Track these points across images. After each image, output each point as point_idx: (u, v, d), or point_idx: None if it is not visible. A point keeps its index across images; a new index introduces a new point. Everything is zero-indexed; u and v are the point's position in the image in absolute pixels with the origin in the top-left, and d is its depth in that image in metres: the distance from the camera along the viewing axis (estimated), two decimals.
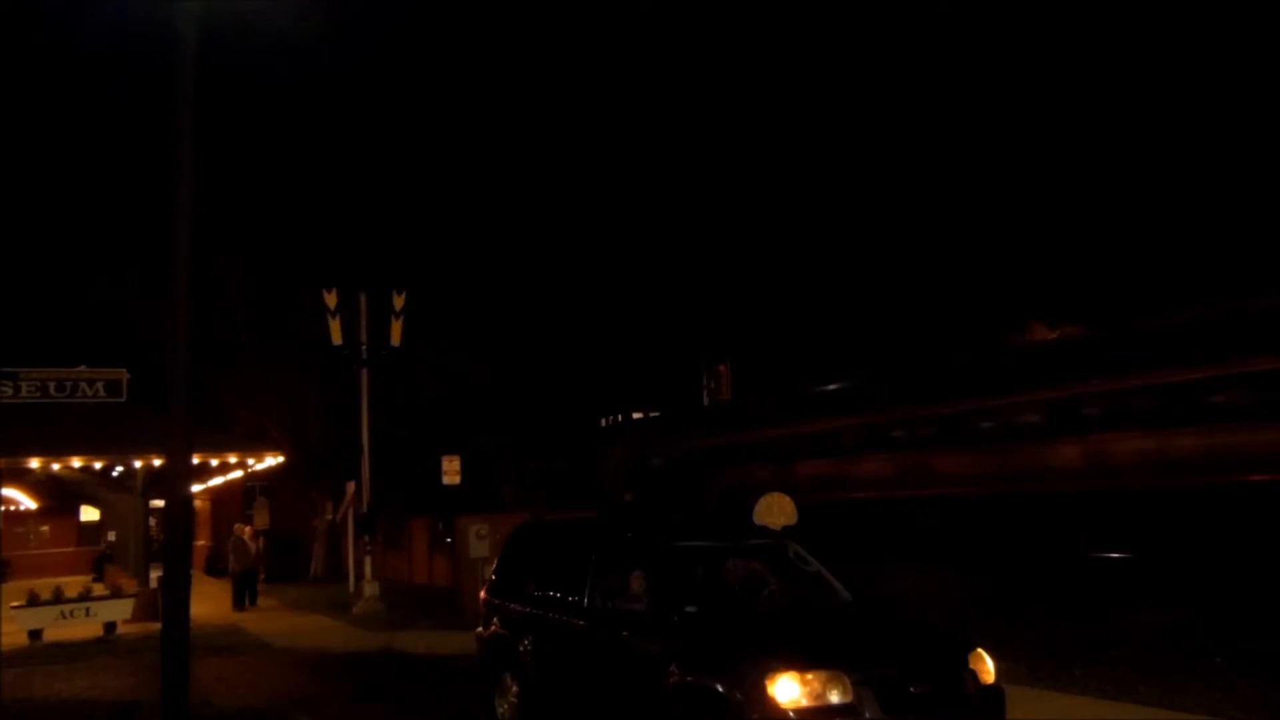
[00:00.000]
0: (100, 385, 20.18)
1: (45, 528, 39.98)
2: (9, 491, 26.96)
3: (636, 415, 38.16)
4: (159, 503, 20.31)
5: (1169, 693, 10.01)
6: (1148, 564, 15.20)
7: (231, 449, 20.53)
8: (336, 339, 22.09)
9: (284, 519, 31.58)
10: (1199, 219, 27.21)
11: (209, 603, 22.38)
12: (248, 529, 24.67)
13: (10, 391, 19.16)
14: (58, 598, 18.30)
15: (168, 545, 6.80)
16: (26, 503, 32.53)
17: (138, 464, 19.37)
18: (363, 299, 22.37)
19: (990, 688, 7.32)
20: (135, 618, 18.96)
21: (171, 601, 6.55)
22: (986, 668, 7.34)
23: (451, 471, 22.17)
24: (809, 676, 6.63)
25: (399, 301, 22.30)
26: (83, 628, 17.99)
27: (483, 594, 10.52)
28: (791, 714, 6.52)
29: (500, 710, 9.42)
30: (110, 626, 18.31)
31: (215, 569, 31.83)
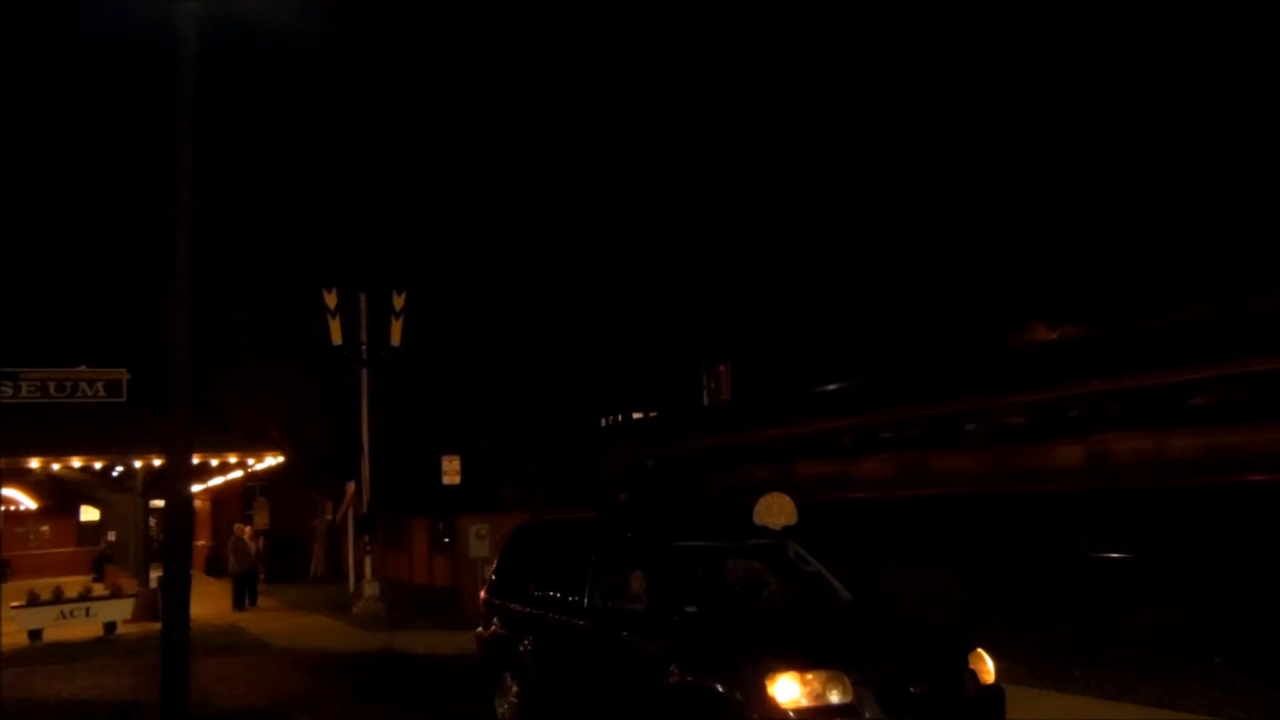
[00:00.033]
0: (100, 385, 20.18)
1: (45, 528, 39.98)
2: (9, 491, 26.96)
3: (636, 415, 38.15)
4: (159, 503, 20.31)
5: (1169, 693, 10.01)
6: (1148, 564, 15.21)
7: (231, 449, 20.53)
8: (336, 339, 22.09)
9: (284, 519, 31.58)
10: (1199, 219, 27.22)
11: (209, 603, 22.37)
12: (248, 529, 24.67)
13: (10, 391, 19.16)
14: (58, 598, 18.30)
15: (168, 545, 6.80)
16: (26, 503, 32.53)
17: (138, 464, 19.37)
18: (363, 299, 22.37)
19: (990, 688, 7.32)
20: (135, 618, 18.96)
21: (171, 601, 6.55)
22: (986, 668, 7.34)
23: (451, 471, 22.17)
24: (809, 676, 6.63)
25: (399, 301, 22.30)
26: (83, 628, 17.99)
27: (483, 594, 10.52)
28: (791, 714, 6.52)
29: (500, 710, 9.42)
30: (110, 626, 18.31)
31: (215, 569, 31.83)
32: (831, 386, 23.49)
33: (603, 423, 38.66)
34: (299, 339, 27.53)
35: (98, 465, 19.28)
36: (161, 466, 16.76)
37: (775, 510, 13.21)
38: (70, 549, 39.48)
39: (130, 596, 19.33)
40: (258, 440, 24.41)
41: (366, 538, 22.38)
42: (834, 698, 6.60)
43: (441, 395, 29.86)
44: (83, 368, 20.63)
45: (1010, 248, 30.76)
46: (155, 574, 19.13)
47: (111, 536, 34.64)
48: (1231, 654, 11.34)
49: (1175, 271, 24.95)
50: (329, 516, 30.29)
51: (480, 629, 10.23)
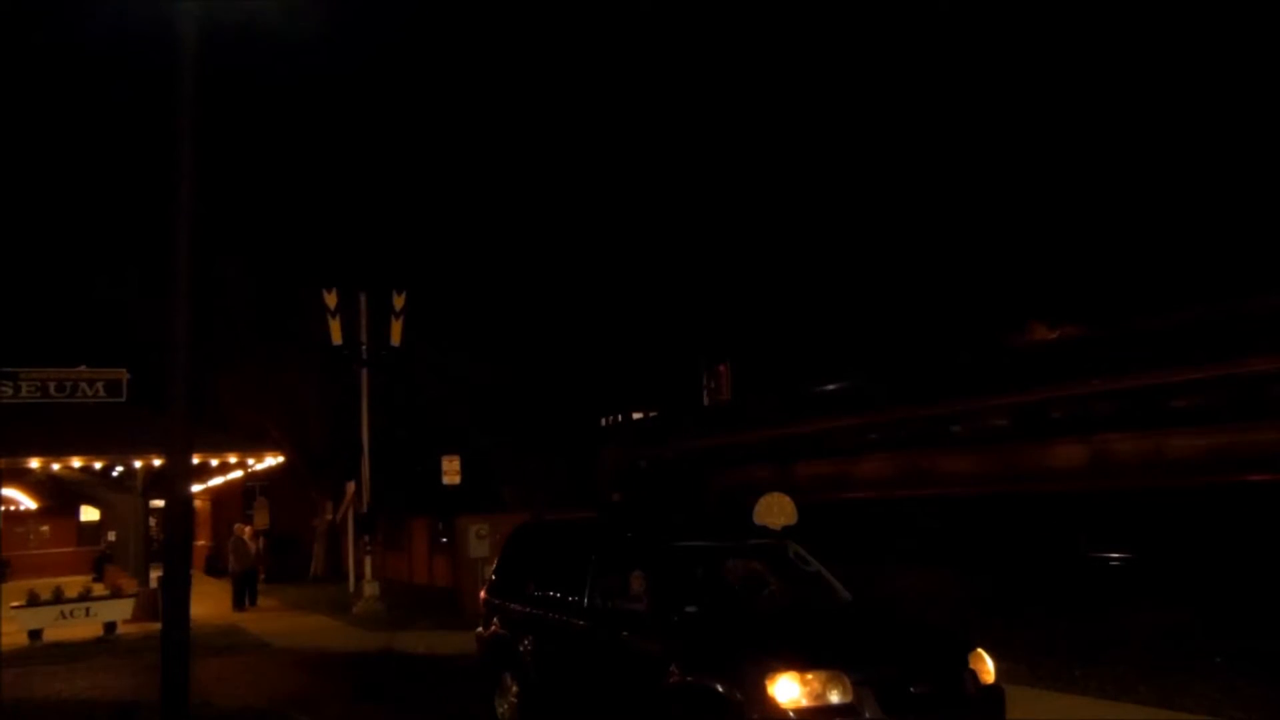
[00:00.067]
0: (100, 385, 20.19)
1: (45, 528, 39.98)
2: (9, 491, 26.95)
3: (637, 415, 38.13)
4: (159, 503, 20.31)
5: (1169, 693, 10.01)
6: (1148, 564, 15.20)
7: (231, 449, 20.53)
8: (336, 339, 22.09)
9: (284, 519, 31.58)
10: (1198, 219, 27.21)
11: (209, 603, 22.38)
12: (248, 529, 24.67)
13: (10, 391, 19.16)
14: (58, 598, 18.30)
15: (168, 545, 6.80)
16: (26, 503, 32.52)
17: (138, 464, 19.37)
18: (363, 299, 22.38)
19: (990, 688, 7.32)
20: (135, 618, 18.96)
21: (171, 601, 6.55)
22: (986, 668, 7.34)
23: (451, 471, 22.17)
24: (809, 676, 6.63)
25: (399, 301, 22.30)
26: (83, 628, 17.99)
27: (483, 594, 10.52)
28: (791, 714, 6.52)
29: (500, 710, 9.42)
30: (110, 626, 18.31)
31: (215, 569, 31.83)
32: (831, 386, 23.47)
33: (603, 422, 38.64)
34: (299, 339, 27.55)
35: (98, 465, 19.28)
36: (161, 466, 16.77)
37: (775, 510, 13.21)
38: (70, 549, 39.48)
39: (130, 596, 19.33)
40: (258, 440, 24.40)
41: (366, 538, 22.38)
42: (834, 698, 6.60)
43: (441, 395, 29.87)
44: (83, 368, 20.64)
45: (1010, 248, 30.77)
46: (155, 574, 19.13)
47: (111, 536, 34.64)
48: (1231, 654, 11.34)
49: (1175, 271, 24.95)
50: (329, 516, 30.29)
51: (480, 629, 10.23)
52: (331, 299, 22.00)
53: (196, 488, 25.74)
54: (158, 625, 7.30)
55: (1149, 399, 15.44)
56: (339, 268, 24.57)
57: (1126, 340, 16.30)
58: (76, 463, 18.74)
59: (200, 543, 34.38)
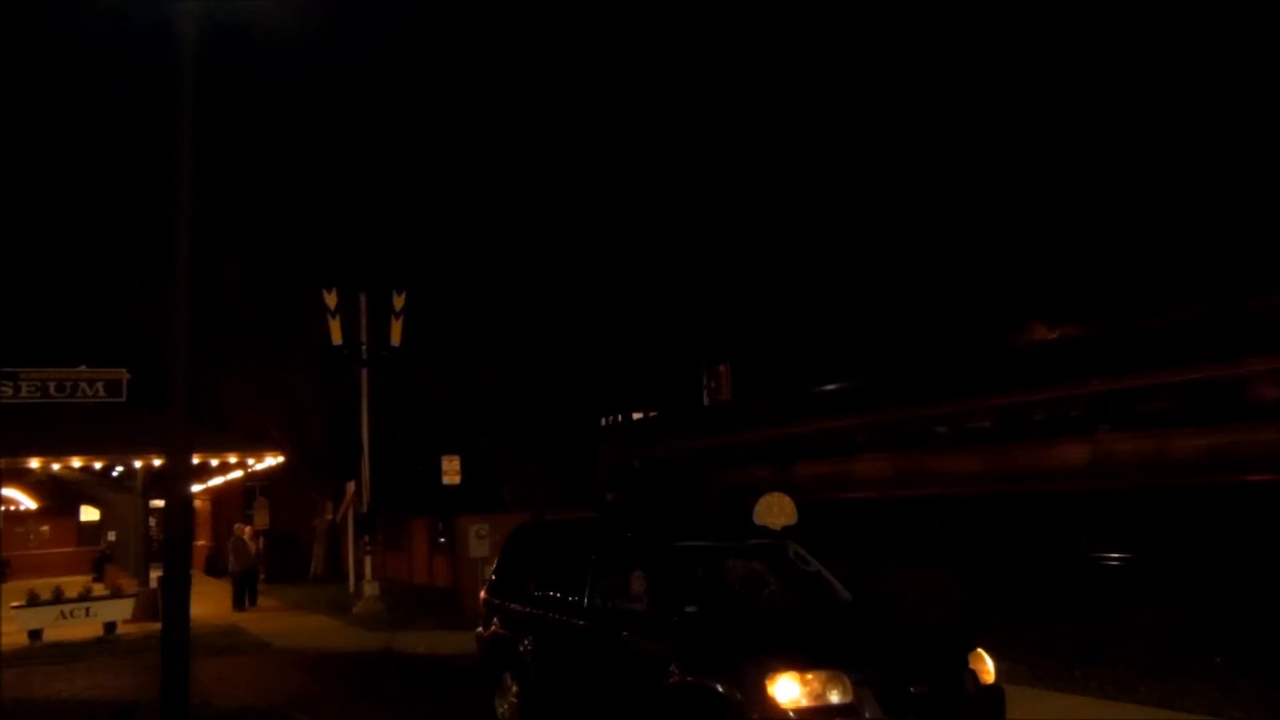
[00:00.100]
0: (100, 385, 20.19)
1: (45, 528, 39.99)
2: (9, 491, 26.95)
3: (637, 415, 38.15)
4: (159, 503, 20.31)
5: (1169, 693, 10.01)
6: (1148, 564, 15.21)
7: (231, 449, 20.53)
8: (336, 339, 22.10)
9: (284, 519, 31.58)
10: (1198, 219, 27.21)
11: (209, 603, 22.38)
12: (248, 529, 24.67)
13: (10, 391, 19.16)
14: (58, 598, 18.30)
15: (168, 545, 6.79)
16: (26, 503, 32.53)
17: (138, 464, 19.37)
18: (363, 299, 22.38)
19: (990, 688, 7.32)
20: (135, 618, 18.96)
21: (171, 601, 6.55)
22: (986, 668, 7.34)
23: (451, 471, 22.17)
24: (809, 676, 6.63)
25: (399, 301, 22.30)
26: (83, 628, 17.99)
27: (483, 594, 10.52)
28: (791, 714, 6.52)
29: (500, 710, 9.42)
30: (110, 626, 18.31)
31: (215, 569, 31.83)
32: (831, 386, 23.47)
33: (603, 422, 38.66)
34: (299, 339, 27.56)
35: (98, 465, 19.29)
36: (161, 466, 16.77)
37: (775, 510, 13.21)
38: (70, 549, 39.49)
39: (130, 596, 19.33)
40: (258, 440, 24.41)
41: (366, 538, 22.38)
42: (834, 698, 6.60)
43: (441, 395, 29.88)
44: (83, 368, 20.64)
45: (1010, 248, 30.76)
46: (155, 574, 19.14)
47: (111, 536, 34.66)
48: (1231, 654, 11.34)
49: (1175, 271, 24.94)
50: (329, 516, 30.29)
51: (480, 629, 10.23)
52: (331, 299, 22.00)
53: (196, 488, 25.74)
54: (158, 625, 7.30)
55: (1149, 399, 15.45)
56: (339, 268, 24.59)
57: (1126, 340, 16.30)
58: (76, 463, 18.74)
59: (200, 543, 34.39)
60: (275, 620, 20.28)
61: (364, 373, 22.45)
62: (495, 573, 10.44)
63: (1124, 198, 29.75)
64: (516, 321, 31.19)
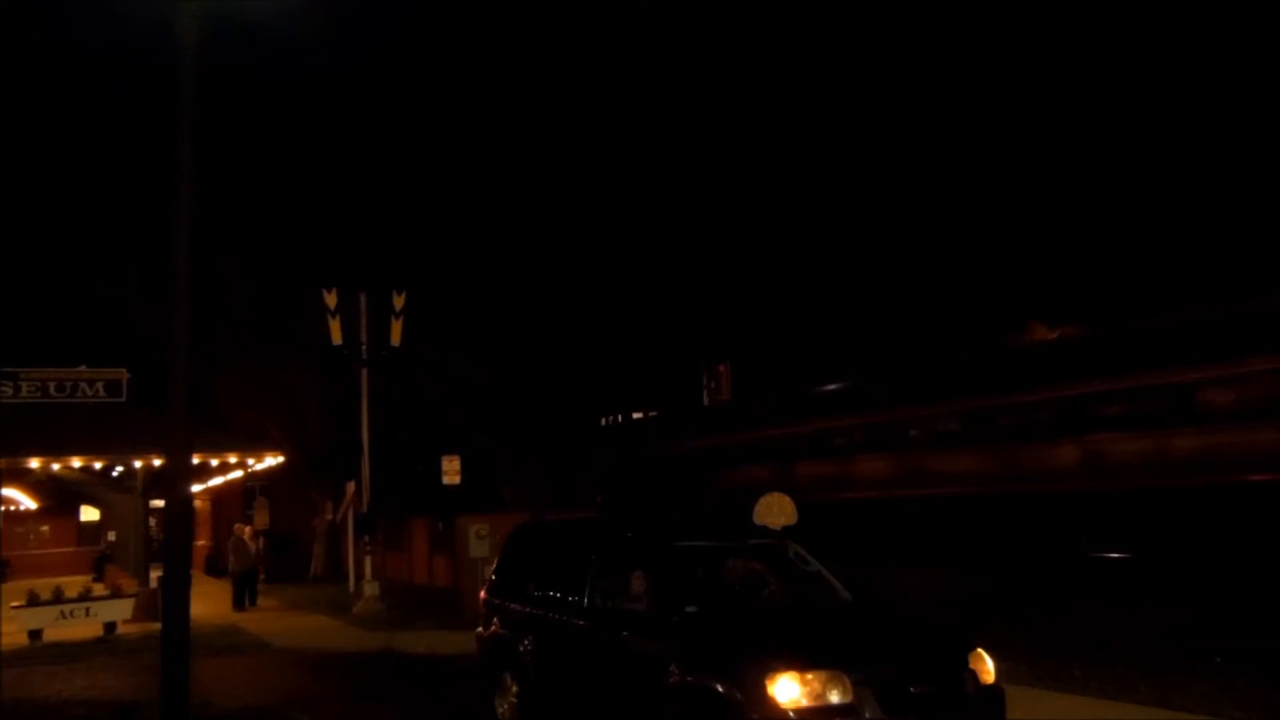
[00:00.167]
0: (100, 385, 20.18)
1: (45, 528, 39.97)
2: (9, 491, 26.95)
3: (637, 415, 38.17)
4: (159, 503, 20.31)
5: (1169, 693, 10.01)
6: (1148, 564, 15.21)
7: (231, 449, 20.53)
8: (336, 339, 22.09)
9: (284, 519, 31.57)
10: (1198, 218, 27.21)
11: (209, 603, 22.37)
12: (248, 529, 24.66)
13: (10, 391, 19.16)
14: (58, 598, 18.30)
15: (168, 545, 6.80)
16: (26, 503, 32.52)
17: (138, 464, 19.37)
18: (363, 299, 22.37)
19: (990, 688, 7.32)
20: (135, 618, 18.96)
21: (171, 601, 6.55)
22: (986, 668, 7.34)
23: (451, 471, 22.17)
24: (809, 676, 6.63)
25: (399, 301, 22.30)
26: (83, 628, 17.99)
27: (483, 594, 10.52)
28: (791, 714, 6.52)
29: (500, 710, 9.42)
30: (110, 626, 18.31)
31: (215, 569, 31.82)
32: (831, 386, 23.49)
33: (603, 422, 38.67)
34: (299, 339, 27.55)
35: (98, 465, 19.28)
36: (161, 466, 16.77)
37: (775, 510, 13.21)
38: (70, 549, 39.47)
39: (130, 596, 19.33)
40: (258, 440, 24.40)
41: (366, 538, 22.37)
42: (834, 698, 6.60)
43: (441, 395, 29.85)
44: (83, 368, 20.64)
45: (1010, 248, 30.76)
46: (155, 574, 19.13)
47: (111, 536, 34.65)
48: (1231, 654, 11.34)
49: (1175, 271, 24.94)
50: (329, 516, 30.29)
51: (480, 629, 10.23)
52: (331, 299, 22.00)
53: (196, 488, 25.73)
54: (158, 625, 7.30)
55: (1149, 399, 15.45)
56: (339, 268, 24.59)
57: (1126, 340, 16.31)
58: (76, 463, 18.74)
59: (200, 543, 34.38)
60: (275, 620, 20.28)
61: (364, 373, 22.44)
62: (495, 573, 10.44)
63: (1124, 198, 29.75)
64: (516, 321, 31.19)
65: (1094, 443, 16.30)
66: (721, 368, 37.16)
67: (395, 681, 12.92)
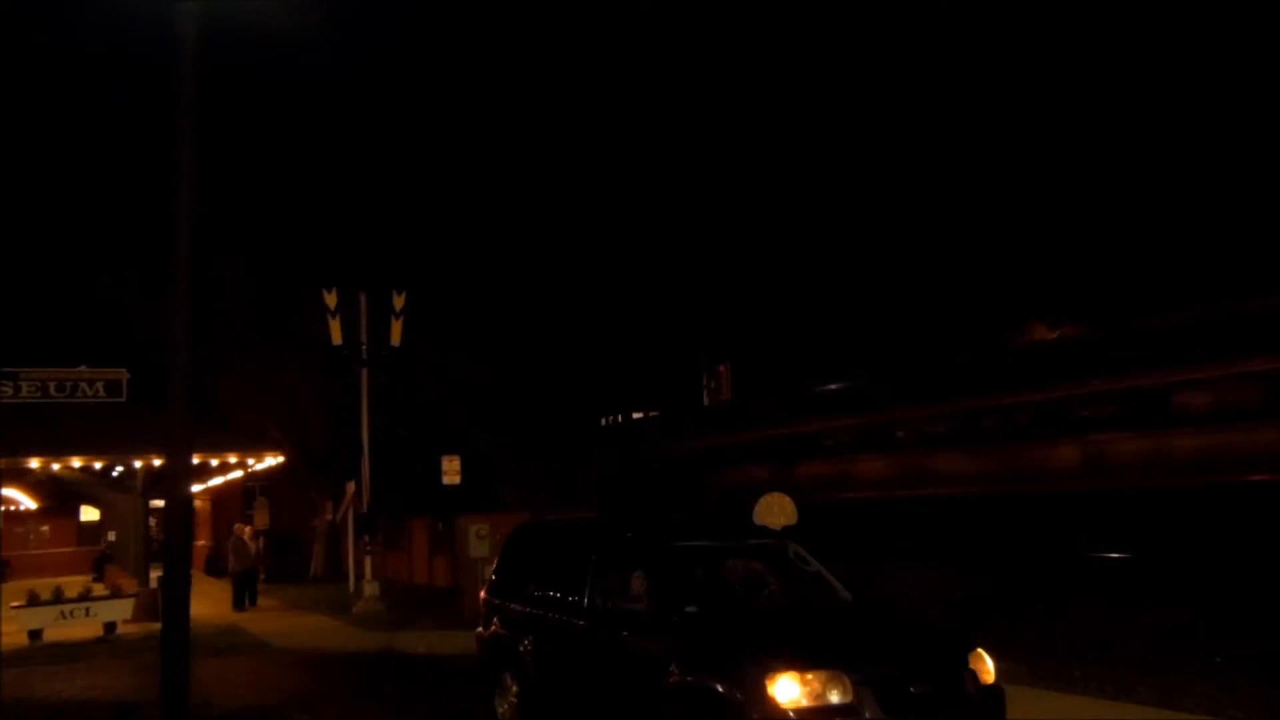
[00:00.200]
0: (100, 385, 20.19)
1: (45, 528, 39.98)
2: (9, 491, 26.96)
3: (637, 415, 38.19)
4: (159, 503, 20.30)
5: (1169, 693, 10.01)
6: (1148, 564, 15.22)
7: (231, 449, 20.53)
8: (336, 339, 22.09)
9: (284, 519, 31.58)
10: (1198, 218, 27.21)
11: (209, 603, 22.38)
12: (248, 529, 24.66)
13: (10, 391, 19.16)
14: (58, 598, 18.30)
15: (168, 545, 6.79)
16: (26, 503, 32.53)
17: (138, 464, 19.37)
18: (363, 299, 22.37)
19: (990, 688, 7.32)
20: (135, 618, 18.95)
21: (171, 601, 6.54)
22: (986, 668, 7.34)
23: (451, 471, 22.17)
24: (809, 676, 6.63)
25: (399, 301, 22.30)
26: (83, 628, 17.99)
27: (483, 594, 10.52)
28: (791, 714, 6.52)
29: (500, 710, 9.42)
30: (110, 626, 18.31)
31: (215, 569, 31.82)
32: (831, 386, 23.50)
33: (603, 422, 38.69)
34: (299, 339, 27.55)
35: (98, 465, 19.28)
36: (161, 466, 16.77)
37: (775, 510, 13.21)
38: (70, 549, 39.48)
39: (130, 596, 19.33)
40: (258, 440, 24.40)
41: (366, 538, 22.37)
42: (834, 698, 6.60)
43: (441, 395, 29.86)
44: (83, 368, 20.64)
45: (1010, 248, 30.76)
46: (155, 574, 19.13)
47: (111, 536, 34.65)
48: (1231, 654, 11.34)
49: (1175, 271, 24.93)
50: (329, 516, 30.29)
51: (480, 629, 10.23)
52: (331, 299, 22.00)
53: (196, 488, 25.74)
54: (158, 625, 7.30)
55: (1149, 399, 15.46)
56: (339, 268, 24.59)
57: (1126, 340, 16.31)
58: (76, 463, 18.74)
59: (200, 543, 34.38)
60: (275, 620, 20.28)
61: (364, 373, 22.44)
62: (495, 573, 10.44)
63: (1124, 198, 29.75)
64: (516, 321, 31.19)
65: (1094, 443, 16.31)
66: (721, 368, 37.18)
67: (395, 681, 12.92)
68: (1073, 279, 28.35)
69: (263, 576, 25.48)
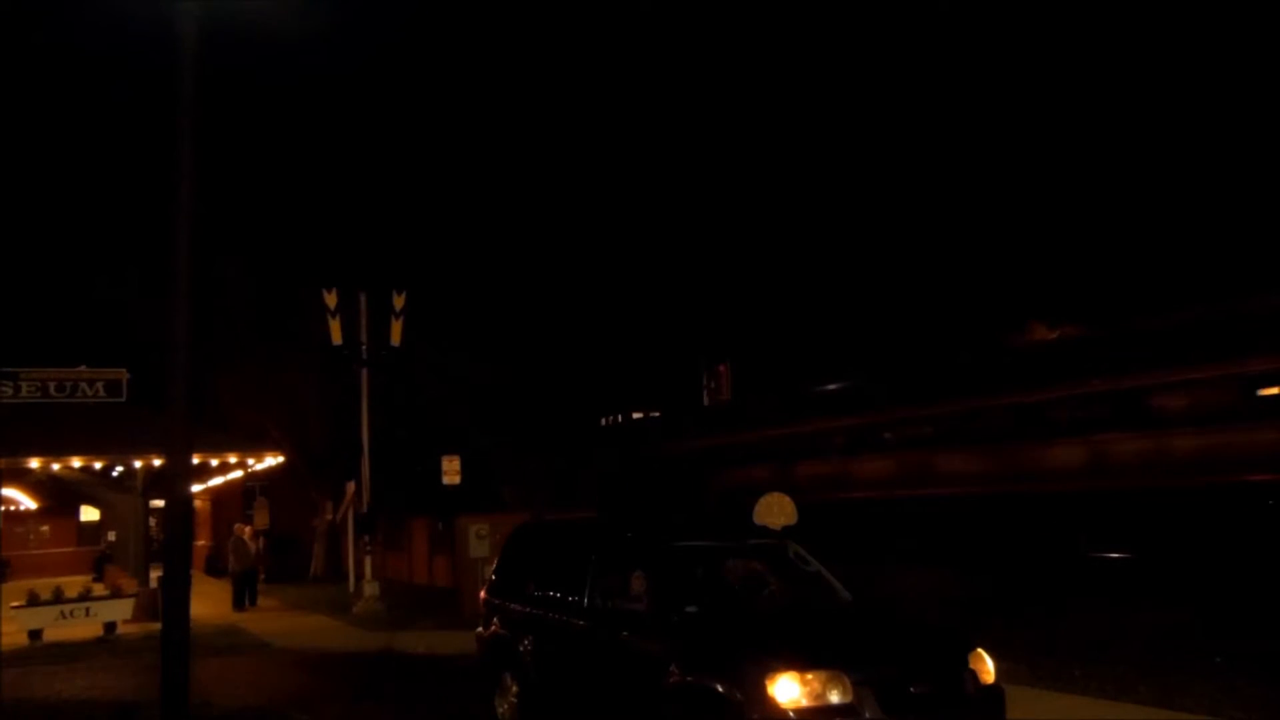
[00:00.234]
0: (100, 385, 20.18)
1: (45, 528, 39.97)
2: (9, 491, 26.95)
3: (637, 415, 38.21)
4: (159, 503, 20.30)
5: (1169, 693, 10.01)
6: (1148, 564, 15.21)
7: (231, 449, 20.52)
8: (336, 339, 22.09)
9: (284, 519, 31.57)
10: (1198, 219, 27.22)
11: (209, 603, 22.37)
12: (248, 529, 24.66)
13: (10, 391, 19.16)
14: (58, 598, 18.29)
15: (168, 545, 6.78)
16: (26, 503, 32.52)
17: (138, 464, 19.37)
18: (363, 299, 22.37)
19: (990, 688, 7.32)
20: (135, 618, 18.95)
21: (171, 601, 6.54)
22: (986, 668, 7.34)
23: (451, 471, 22.17)
24: (809, 676, 6.63)
25: (399, 301, 22.30)
26: (83, 628, 17.98)
27: (483, 594, 10.52)
28: (791, 714, 6.52)
29: (500, 710, 9.42)
30: (110, 626, 18.30)
31: (215, 569, 31.82)
32: (831, 386, 23.50)
33: (603, 422, 38.71)
34: (299, 339, 27.56)
35: (98, 465, 19.28)
36: (161, 466, 16.76)
37: (775, 510, 13.21)
38: (70, 549, 39.46)
39: (130, 596, 19.32)
40: (258, 440, 24.40)
41: (366, 538, 22.37)
42: (834, 698, 6.60)
43: (441, 395, 29.87)
44: (83, 368, 20.64)
45: (1010, 248, 30.78)
46: (155, 574, 19.12)
47: (111, 536, 34.62)
48: (1231, 654, 11.34)
49: (1175, 271, 24.95)
50: (329, 516, 30.29)
51: (480, 629, 10.22)
52: (331, 299, 22.00)
53: (196, 488, 25.74)
54: (158, 625, 7.30)
55: (1149, 399, 15.45)
56: (339, 268, 24.60)
57: (1126, 340, 16.31)
58: (76, 463, 18.74)
59: (200, 543, 34.38)
60: (275, 620, 20.27)
61: (364, 373, 22.44)
62: (495, 573, 10.44)
63: (1124, 198, 29.75)
64: (516, 321, 31.22)
65: (1094, 442, 16.30)
66: (721, 368, 37.20)
67: (395, 681, 12.92)
68: (1072, 279, 28.38)
69: (263, 576, 25.47)
